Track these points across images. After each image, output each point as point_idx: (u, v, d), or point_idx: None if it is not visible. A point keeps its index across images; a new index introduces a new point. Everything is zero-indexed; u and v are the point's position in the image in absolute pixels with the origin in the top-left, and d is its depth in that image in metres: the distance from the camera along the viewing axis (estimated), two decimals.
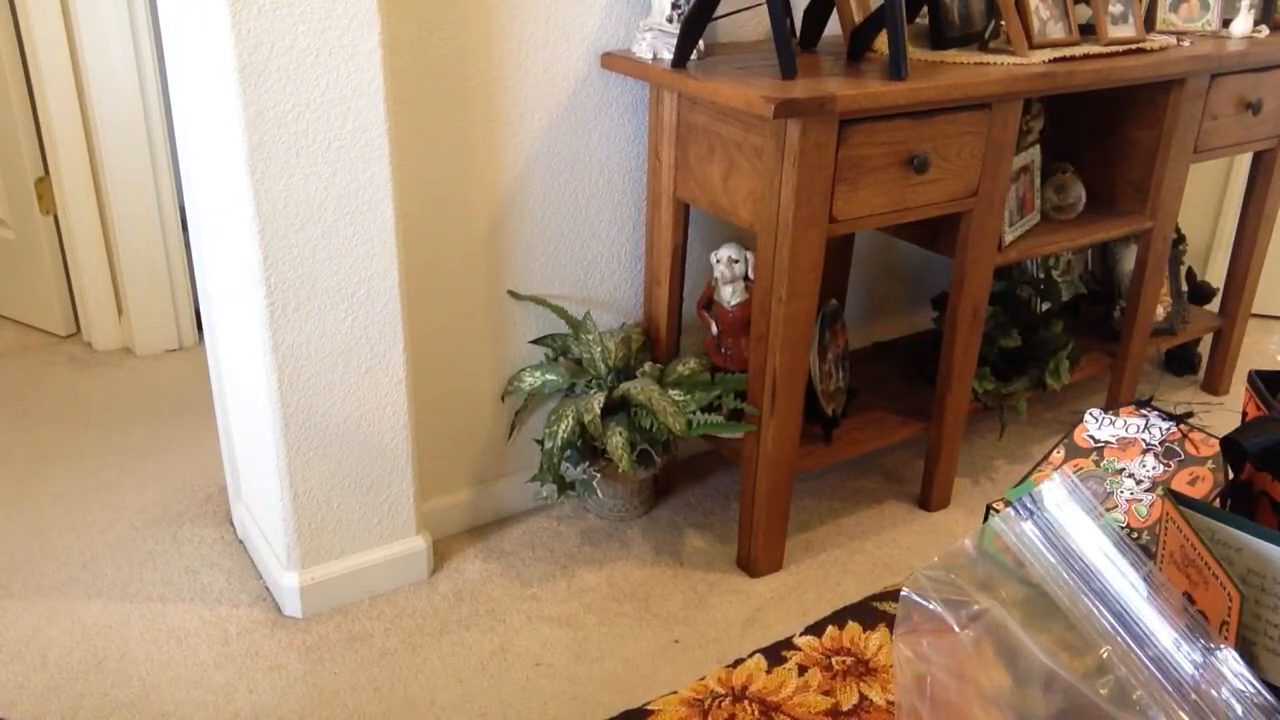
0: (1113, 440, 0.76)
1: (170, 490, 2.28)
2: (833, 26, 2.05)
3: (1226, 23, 2.40)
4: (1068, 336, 2.48)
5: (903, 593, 0.55)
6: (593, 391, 2.01)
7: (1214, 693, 0.49)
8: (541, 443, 1.99)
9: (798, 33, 2.06)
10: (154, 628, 1.86)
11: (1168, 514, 0.60)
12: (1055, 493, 0.54)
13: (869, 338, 2.61)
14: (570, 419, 1.96)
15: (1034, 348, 2.43)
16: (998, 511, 0.57)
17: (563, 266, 2.10)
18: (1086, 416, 0.78)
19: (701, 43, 1.90)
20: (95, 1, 2.50)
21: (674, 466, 2.30)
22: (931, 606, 0.54)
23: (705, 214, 2.06)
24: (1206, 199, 3.12)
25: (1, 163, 2.77)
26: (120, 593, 1.95)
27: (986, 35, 2.10)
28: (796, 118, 1.68)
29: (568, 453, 2.00)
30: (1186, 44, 2.26)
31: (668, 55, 1.88)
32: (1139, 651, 0.50)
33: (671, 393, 1.99)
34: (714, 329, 2.11)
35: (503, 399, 2.13)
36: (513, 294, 2.06)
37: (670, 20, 1.88)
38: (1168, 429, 0.76)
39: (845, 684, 0.70)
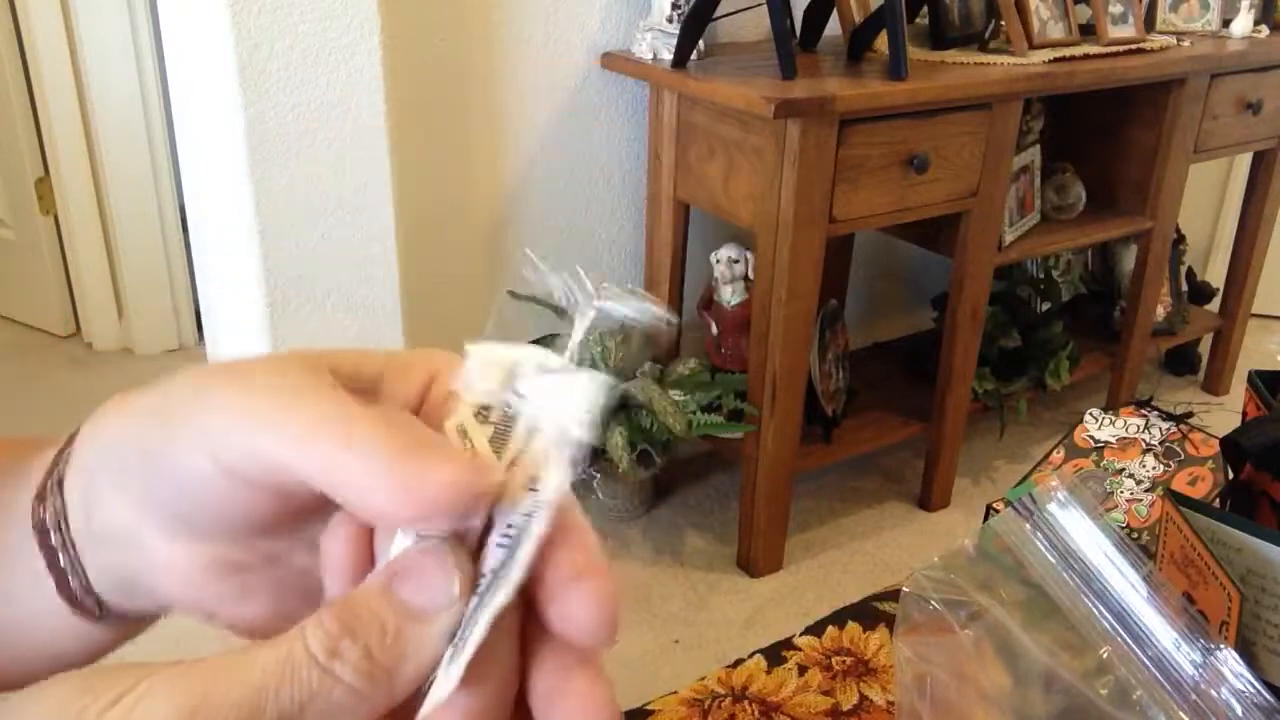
0: (1113, 440, 0.76)
1: None
2: (833, 26, 2.05)
3: (1226, 23, 2.40)
4: (1068, 336, 2.48)
5: (903, 593, 0.54)
6: None
7: (1214, 693, 0.49)
8: None
9: (798, 33, 2.06)
10: (154, 627, 1.86)
11: (1168, 514, 0.60)
12: (1055, 493, 0.54)
13: (869, 338, 2.61)
14: None
15: (1034, 348, 2.43)
16: (998, 511, 0.57)
17: (563, 266, 2.10)
18: (1086, 416, 0.78)
19: (701, 43, 1.90)
20: (95, 1, 2.50)
21: (674, 466, 2.30)
22: (931, 606, 0.54)
23: (705, 214, 2.06)
24: (1206, 199, 3.12)
25: (1, 163, 2.77)
26: None
27: (986, 35, 2.10)
28: (796, 118, 1.68)
29: None
30: (1186, 44, 2.26)
31: (668, 55, 1.88)
32: (1139, 651, 0.50)
33: (671, 393, 1.99)
34: (714, 329, 2.11)
35: None
36: (512, 294, 2.06)
37: (670, 20, 1.88)
38: (1168, 429, 0.76)
39: (845, 684, 0.69)
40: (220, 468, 0.28)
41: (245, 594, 0.32)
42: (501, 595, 0.27)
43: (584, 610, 0.28)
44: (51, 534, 0.32)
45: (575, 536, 0.28)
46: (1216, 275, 2.98)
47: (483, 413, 0.29)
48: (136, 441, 0.30)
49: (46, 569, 0.32)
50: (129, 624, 0.35)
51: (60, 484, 0.32)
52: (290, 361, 0.30)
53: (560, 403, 0.28)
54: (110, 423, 0.31)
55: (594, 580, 0.28)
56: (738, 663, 0.71)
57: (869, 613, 0.75)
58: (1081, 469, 0.75)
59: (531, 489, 0.28)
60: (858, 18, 1.95)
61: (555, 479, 0.28)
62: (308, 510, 0.30)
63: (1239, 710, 0.48)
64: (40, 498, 0.33)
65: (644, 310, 0.29)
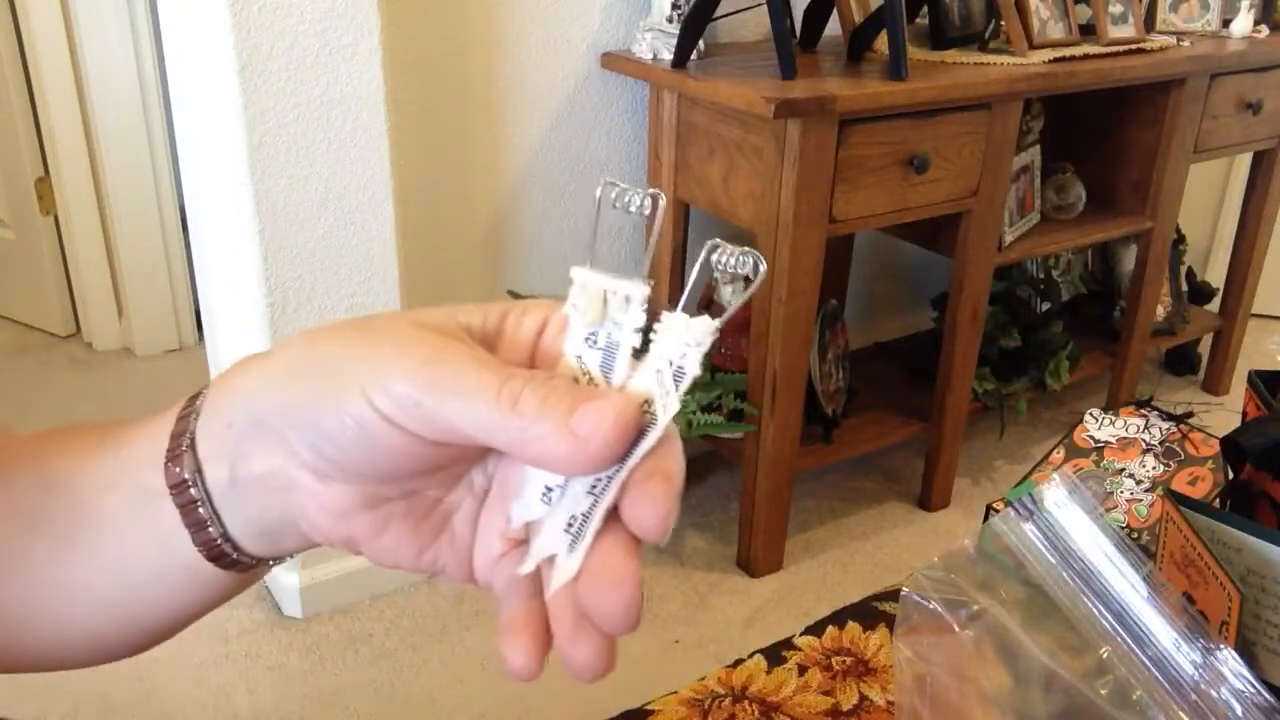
0: (1113, 440, 0.76)
1: None
2: (833, 26, 2.05)
3: (1226, 23, 2.40)
4: (1068, 336, 2.48)
5: (903, 593, 0.54)
6: None
7: (1214, 693, 0.49)
8: None
9: (798, 33, 2.06)
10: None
11: (1168, 514, 0.60)
12: (1055, 493, 0.54)
13: (869, 338, 2.61)
14: None
15: (1034, 348, 2.43)
16: (998, 511, 0.57)
17: (563, 266, 2.10)
18: (1086, 416, 0.78)
19: (701, 43, 1.90)
20: (95, 1, 2.50)
21: None
22: (931, 606, 0.54)
23: (705, 214, 2.06)
24: (1206, 199, 3.12)
25: (1, 163, 2.77)
26: None
27: (986, 35, 2.10)
28: (796, 118, 1.68)
29: None
30: (1186, 44, 2.26)
31: (668, 55, 1.88)
32: (1139, 651, 0.50)
33: None
34: None
35: None
36: (512, 294, 2.06)
37: (670, 20, 1.88)
38: (1168, 429, 0.76)
39: (845, 684, 0.70)
40: (382, 418, 0.31)
41: (386, 525, 0.35)
42: (611, 495, 0.32)
43: (646, 508, 0.31)
44: (191, 489, 0.35)
45: (663, 445, 0.32)
46: (1216, 275, 2.98)
47: (591, 338, 0.34)
48: (290, 397, 0.33)
49: (181, 524, 0.36)
50: (253, 571, 0.39)
51: (194, 443, 0.36)
52: (429, 322, 0.34)
53: (675, 342, 0.33)
54: (249, 383, 0.35)
55: (662, 485, 0.31)
56: (738, 663, 0.71)
57: (869, 613, 0.75)
58: (1081, 469, 0.75)
59: (646, 411, 0.32)
60: (858, 18, 1.95)
61: (671, 407, 0.32)
62: (456, 457, 0.34)
63: (1239, 710, 0.48)
64: (174, 459, 0.36)
65: (751, 264, 0.33)
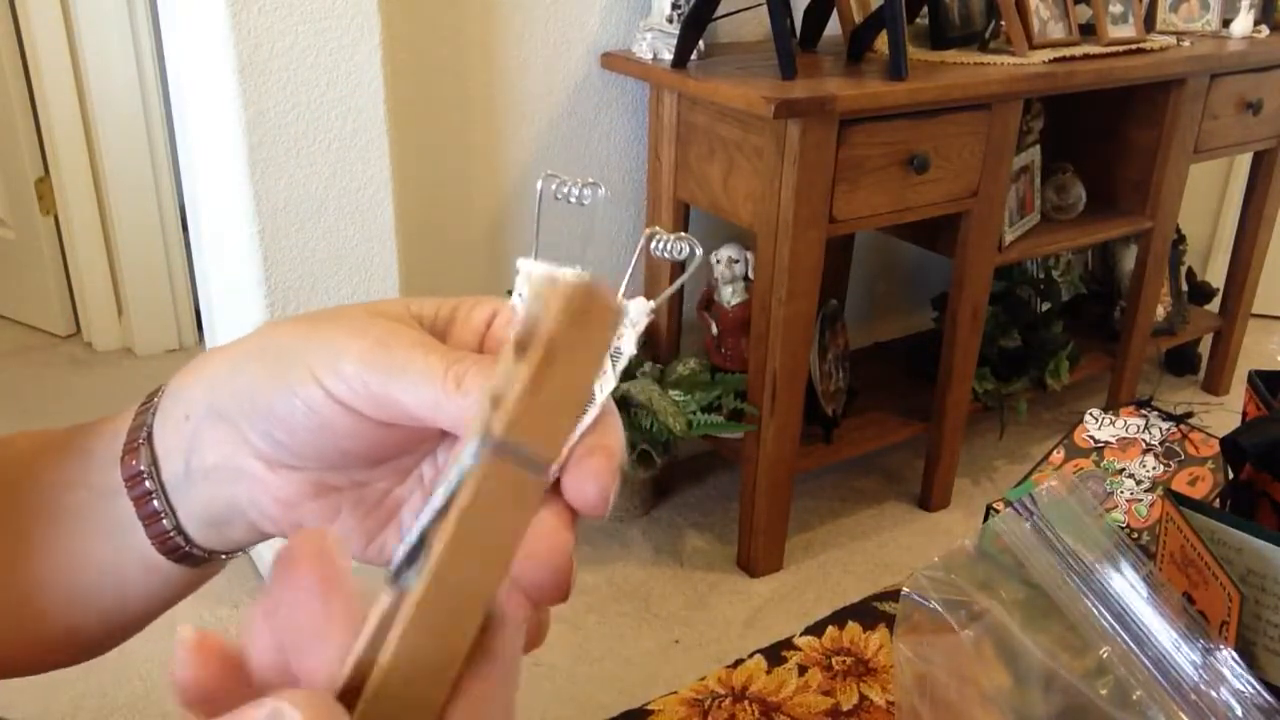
0: (1113, 440, 0.76)
1: None
2: (833, 26, 2.05)
3: (1226, 23, 2.40)
4: (1068, 336, 2.48)
5: (903, 593, 0.54)
6: None
7: (1214, 693, 0.49)
8: None
9: (798, 33, 2.06)
10: (154, 627, 1.86)
11: (1168, 514, 0.60)
12: (1055, 493, 0.54)
13: (869, 338, 2.61)
14: None
15: (1034, 348, 2.43)
16: (998, 511, 0.57)
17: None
18: (1086, 416, 0.78)
19: (701, 43, 1.90)
20: (95, 1, 2.50)
21: (674, 466, 2.30)
22: (931, 606, 0.54)
23: (705, 214, 2.06)
24: (1206, 199, 3.12)
25: (1, 163, 2.76)
26: None
27: (986, 35, 2.10)
28: (796, 118, 1.68)
29: None
30: (1186, 44, 2.26)
31: (668, 55, 1.88)
32: (1139, 651, 0.50)
33: (671, 393, 1.99)
34: (714, 329, 2.11)
35: None
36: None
37: (670, 20, 1.88)
38: (1168, 429, 0.76)
39: (845, 684, 0.69)
40: (332, 399, 0.33)
41: (334, 513, 0.36)
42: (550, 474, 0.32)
43: (587, 482, 0.32)
44: (146, 481, 0.36)
45: (602, 422, 0.33)
46: (1216, 275, 2.98)
47: None
48: (245, 383, 0.34)
49: (135, 517, 0.37)
50: (204, 567, 0.39)
51: (150, 437, 0.36)
52: (382, 310, 0.35)
53: None
54: (205, 374, 0.36)
55: (602, 460, 0.32)
56: (738, 663, 0.71)
57: (869, 613, 0.75)
58: (1081, 469, 0.75)
59: None
60: (858, 18, 1.95)
61: (607, 385, 0.33)
62: (404, 444, 0.36)
63: (1239, 710, 0.48)
64: (130, 451, 0.37)
65: (687, 250, 0.35)
